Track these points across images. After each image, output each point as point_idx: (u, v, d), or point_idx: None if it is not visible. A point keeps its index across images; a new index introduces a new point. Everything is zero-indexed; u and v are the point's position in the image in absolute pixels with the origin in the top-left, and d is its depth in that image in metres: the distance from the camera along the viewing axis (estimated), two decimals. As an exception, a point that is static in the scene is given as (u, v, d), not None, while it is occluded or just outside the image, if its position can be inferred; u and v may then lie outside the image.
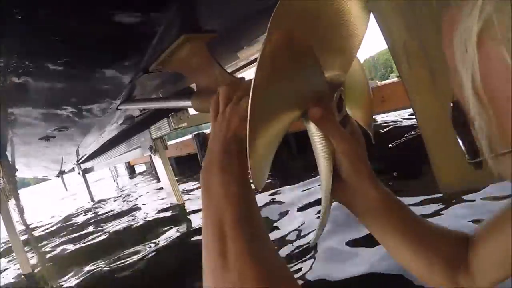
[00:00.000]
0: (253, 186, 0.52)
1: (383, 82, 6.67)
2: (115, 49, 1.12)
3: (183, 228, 4.08)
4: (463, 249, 0.63)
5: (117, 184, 10.55)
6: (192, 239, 3.59)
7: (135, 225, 4.72)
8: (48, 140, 2.03)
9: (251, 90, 0.43)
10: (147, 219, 4.89)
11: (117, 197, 8.02)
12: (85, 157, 5.91)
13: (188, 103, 1.13)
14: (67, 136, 2.27)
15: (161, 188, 6.65)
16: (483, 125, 0.30)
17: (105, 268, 3.23)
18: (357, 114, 0.68)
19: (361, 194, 0.60)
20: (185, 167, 9.49)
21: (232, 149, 0.56)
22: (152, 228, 4.34)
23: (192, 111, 3.94)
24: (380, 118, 7.24)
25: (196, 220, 4.18)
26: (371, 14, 0.60)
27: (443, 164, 0.73)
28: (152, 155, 4.50)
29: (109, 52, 1.14)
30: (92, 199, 8.42)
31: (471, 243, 0.63)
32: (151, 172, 11.88)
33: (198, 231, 3.82)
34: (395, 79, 6.13)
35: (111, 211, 6.38)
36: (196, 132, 9.68)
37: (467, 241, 0.64)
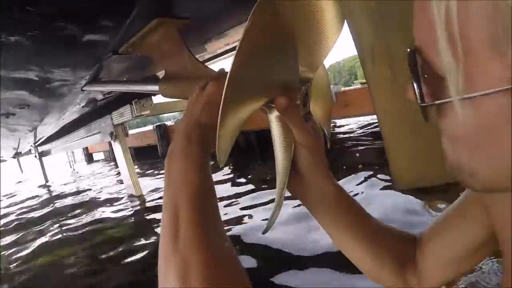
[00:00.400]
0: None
1: (347, 88, 6.84)
2: (85, 26, 1.11)
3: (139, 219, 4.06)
4: (411, 249, 0.66)
5: (73, 169, 10.27)
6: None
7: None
8: (8, 117, 1.97)
9: (229, 71, 0.45)
10: (103, 212, 4.80)
11: (71, 182, 7.83)
12: (43, 139, 5.73)
13: (155, 87, 1.14)
14: (27, 115, 2.21)
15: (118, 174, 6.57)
16: (451, 65, 0.32)
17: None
18: (318, 114, 0.70)
19: (315, 187, 0.62)
20: (145, 158, 9.35)
21: (193, 136, 0.57)
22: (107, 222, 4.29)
23: (156, 100, 3.90)
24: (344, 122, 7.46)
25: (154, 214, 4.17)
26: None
27: (399, 162, 0.77)
28: (112, 142, 4.42)
29: (78, 28, 1.13)
30: (46, 182, 8.17)
31: (419, 244, 0.66)
32: (110, 160, 11.64)
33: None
34: (359, 86, 6.31)
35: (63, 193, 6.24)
36: (158, 124, 9.56)
37: (415, 241, 0.67)
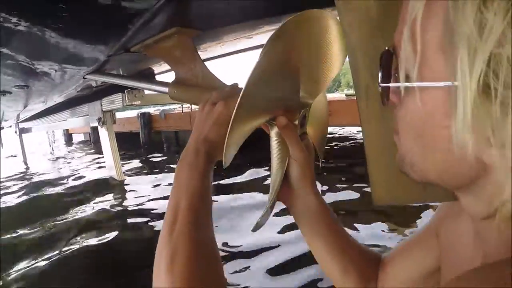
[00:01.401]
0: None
1: (331, 96, 7.00)
2: (101, 21, 1.16)
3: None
4: (375, 267, 0.76)
5: (52, 150, 10.12)
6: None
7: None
8: (5, 95, 1.99)
9: (241, 93, 0.53)
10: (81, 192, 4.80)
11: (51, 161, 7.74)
12: (27, 116, 5.67)
13: (165, 89, 1.21)
14: (23, 95, 2.23)
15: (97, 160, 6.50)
16: (408, 58, 0.38)
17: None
18: (314, 136, 0.79)
19: (301, 198, 0.72)
20: (126, 145, 9.28)
21: (201, 150, 0.66)
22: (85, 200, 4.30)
23: (147, 91, 3.93)
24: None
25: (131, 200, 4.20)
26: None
27: (379, 178, 0.85)
28: (99, 127, 4.43)
29: (94, 23, 1.17)
30: (25, 162, 8.06)
31: (382, 264, 0.76)
32: (90, 143, 11.51)
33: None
34: (344, 97, 6.47)
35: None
36: (142, 112, 9.50)
37: (379, 261, 0.77)
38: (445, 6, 0.33)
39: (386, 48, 0.43)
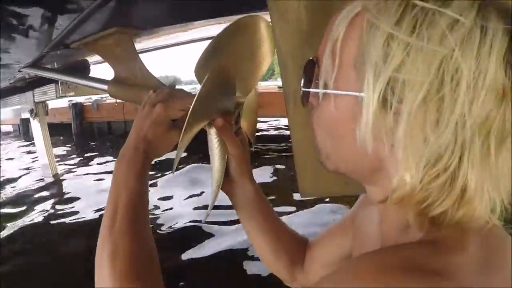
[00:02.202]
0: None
1: (264, 86, 7.15)
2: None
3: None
4: (303, 250, 0.85)
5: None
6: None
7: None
8: None
9: (190, 109, 0.62)
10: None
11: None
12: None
13: (105, 87, 1.24)
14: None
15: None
16: (327, 69, 0.45)
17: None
18: (245, 125, 0.88)
19: (240, 187, 0.80)
20: (56, 135, 8.89)
21: (140, 147, 0.70)
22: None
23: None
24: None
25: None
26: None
27: (305, 172, 0.94)
28: (31, 119, 4.25)
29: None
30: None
31: (309, 247, 0.86)
32: (19, 134, 10.88)
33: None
34: (276, 89, 6.68)
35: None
36: (74, 102, 9.13)
37: (306, 245, 0.87)
38: (361, 33, 0.41)
39: (310, 58, 0.51)
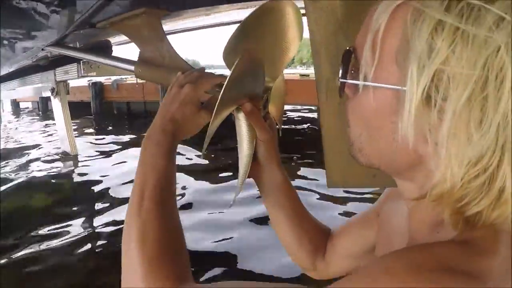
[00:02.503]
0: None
1: (288, 73, 7.15)
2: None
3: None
4: (325, 239, 0.86)
5: (0, 120, 9.60)
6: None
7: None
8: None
9: (221, 94, 0.62)
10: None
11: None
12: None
13: (131, 67, 1.23)
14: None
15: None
16: (367, 61, 0.45)
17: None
18: (273, 112, 0.88)
19: (267, 172, 0.81)
20: (76, 115, 9.03)
21: (167, 128, 0.69)
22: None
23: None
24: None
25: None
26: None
27: (334, 163, 0.94)
28: (52, 97, 4.27)
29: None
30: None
31: (331, 237, 0.86)
32: (38, 112, 11.04)
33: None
34: (299, 77, 6.65)
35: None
36: (94, 81, 9.21)
37: (328, 234, 0.87)
38: (404, 26, 0.41)
39: (348, 48, 0.50)
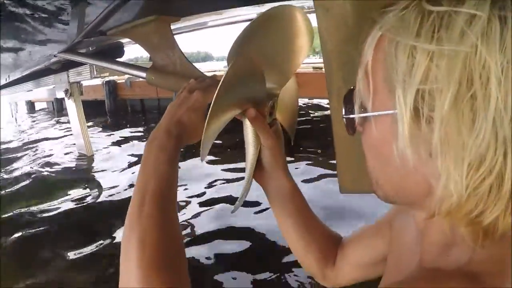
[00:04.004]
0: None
1: (305, 65, 7.09)
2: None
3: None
4: (335, 247, 0.84)
5: (16, 120, 9.78)
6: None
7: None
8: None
9: (216, 92, 0.60)
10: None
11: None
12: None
13: (143, 74, 1.23)
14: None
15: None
16: (362, 93, 0.46)
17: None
18: (284, 120, 0.87)
19: (274, 179, 0.79)
20: (90, 114, 9.13)
21: (172, 132, 0.67)
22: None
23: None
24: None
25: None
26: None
27: (346, 169, 0.93)
28: (66, 99, 4.33)
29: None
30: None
31: (341, 245, 0.84)
32: (53, 111, 11.19)
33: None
34: (311, 70, 6.58)
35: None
36: (107, 79, 9.29)
37: (339, 242, 0.85)
38: (386, 55, 0.42)
39: (351, 87, 0.52)
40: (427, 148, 0.39)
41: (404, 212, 0.67)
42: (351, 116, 0.51)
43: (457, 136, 0.36)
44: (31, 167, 4.64)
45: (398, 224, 0.68)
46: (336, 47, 0.77)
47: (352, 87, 0.52)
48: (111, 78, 9.35)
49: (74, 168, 4.55)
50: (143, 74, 1.22)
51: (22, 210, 3.49)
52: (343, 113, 0.53)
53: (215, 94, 0.60)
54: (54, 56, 1.79)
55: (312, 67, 6.83)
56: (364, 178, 0.87)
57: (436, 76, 0.36)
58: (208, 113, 0.61)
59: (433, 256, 0.48)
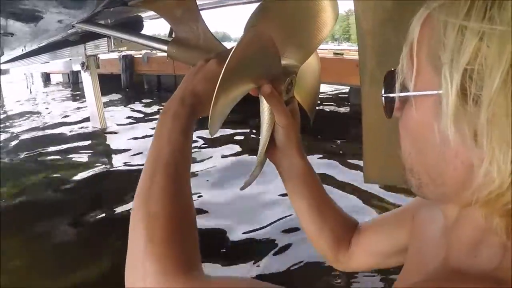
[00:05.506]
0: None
1: (326, 51, 6.96)
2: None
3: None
4: (350, 232, 0.82)
5: (30, 91, 9.84)
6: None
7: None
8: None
9: (226, 64, 0.57)
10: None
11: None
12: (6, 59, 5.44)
13: (164, 47, 1.19)
14: (12, 41, 2.15)
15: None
16: (406, 71, 0.45)
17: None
18: (304, 100, 0.84)
19: (287, 158, 0.77)
20: (105, 88, 9.16)
21: (186, 101, 0.65)
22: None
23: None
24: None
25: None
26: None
27: (373, 158, 0.90)
28: (82, 72, 4.31)
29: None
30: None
31: (358, 230, 0.82)
32: (69, 83, 11.25)
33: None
34: (332, 55, 6.46)
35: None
36: (124, 54, 9.26)
37: (355, 227, 0.83)
38: (433, 33, 0.41)
39: (392, 69, 0.50)
40: (471, 130, 0.37)
41: (429, 205, 0.64)
42: (392, 95, 0.49)
43: (505, 117, 0.34)
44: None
45: (422, 217, 0.65)
46: (372, 28, 0.74)
47: (392, 69, 0.49)
48: (129, 52, 9.30)
49: (89, 142, 4.58)
50: (164, 47, 1.19)
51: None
52: (382, 93, 0.50)
53: (225, 66, 0.57)
54: (73, 26, 1.75)
55: (333, 53, 6.69)
56: (391, 168, 0.83)
57: (486, 56, 0.35)
58: (217, 86, 0.57)
59: (460, 254, 0.45)
